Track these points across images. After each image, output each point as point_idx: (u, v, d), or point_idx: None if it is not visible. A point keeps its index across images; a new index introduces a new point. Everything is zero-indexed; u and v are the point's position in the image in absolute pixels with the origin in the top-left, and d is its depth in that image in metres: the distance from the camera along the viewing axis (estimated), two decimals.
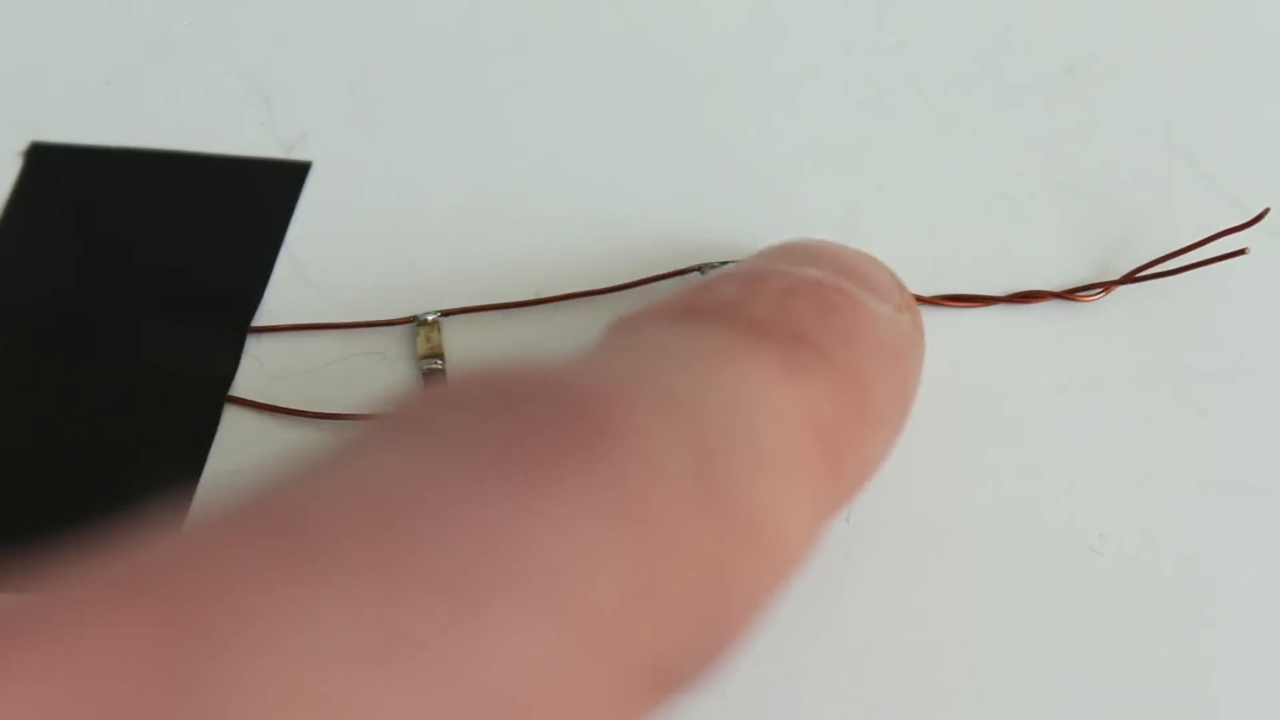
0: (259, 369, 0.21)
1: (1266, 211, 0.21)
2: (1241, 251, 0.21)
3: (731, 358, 0.15)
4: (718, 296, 0.16)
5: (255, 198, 0.23)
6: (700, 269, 0.22)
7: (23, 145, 0.23)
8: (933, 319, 0.21)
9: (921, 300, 0.21)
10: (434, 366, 0.21)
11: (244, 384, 0.21)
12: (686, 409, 0.14)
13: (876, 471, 0.17)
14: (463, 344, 0.21)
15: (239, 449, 0.21)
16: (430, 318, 0.21)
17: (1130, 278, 0.21)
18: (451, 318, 0.21)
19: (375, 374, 0.21)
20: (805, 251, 0.18)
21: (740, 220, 0.23)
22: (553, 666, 0.11)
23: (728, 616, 0.14)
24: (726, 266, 0.17)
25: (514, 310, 0.22)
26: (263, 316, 0.22)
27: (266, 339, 0.22)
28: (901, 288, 0.18)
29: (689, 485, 0.13)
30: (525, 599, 0.11)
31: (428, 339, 0.21)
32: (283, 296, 0.22)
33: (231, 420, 0.21)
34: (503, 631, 0.11)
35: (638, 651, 0.12)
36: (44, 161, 0.23)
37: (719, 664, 0.14)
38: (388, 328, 0.21)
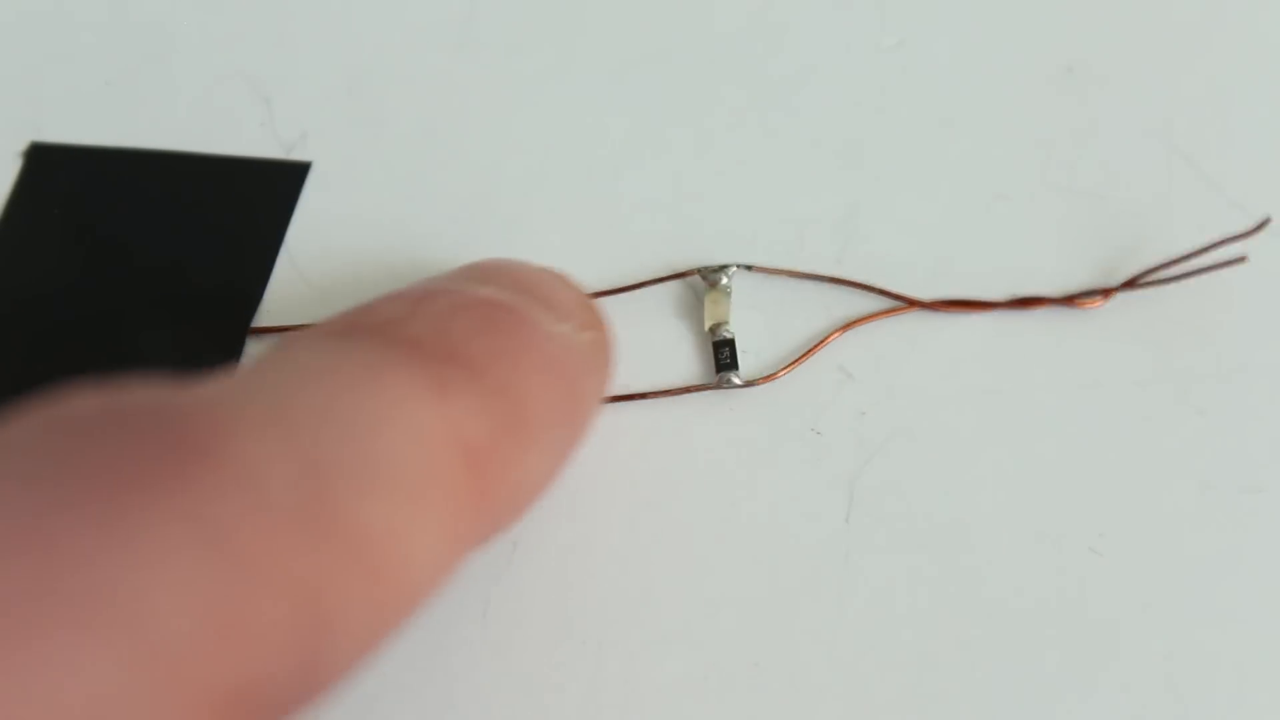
0: None
1: (1268, 221, 0.21)
2: (1241, 259, 0.21)
3: (374, 375, 0.15)
4: (380, 314, 0.16)
5: (255, 198, 0.23)
6: (700, 273, 0.22)
7: (23, 145, 0.23)
8: (933, 322, 0.22)
9: (921, 305, 0.21)
10: None
11: None
12: (305, 428, 0.14)
13: (541, 491, 0.17)
14: None
15: None
16: None
17: (1131, 284, 0.21)
18: None
19: None
20: (487, 270, 0.18)
21: (741, 219, 0.23)
22: (111, 697, 0.11)
23: (327, 644, 0.13)
24: (418, 283, 0.17)
25: None
26: (263, 317, 0.22)
27: (266, 339, 0.22)
28: (589, 307, 0.18)
29: (290, 509, 0.13)
30: (84, 628, 0.11)
31: None
32: (283, 296, 0.22)
33: None
34: (55, 661, 0.11)
35: (216, 681, 0.12)
36: (44, 161, 0.23)
37: (323, 691, 0.14)
38: None
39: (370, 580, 0.14)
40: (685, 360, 0.21)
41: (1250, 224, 0.21)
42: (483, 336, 0.16)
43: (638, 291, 0.22)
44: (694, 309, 0.22)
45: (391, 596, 0.14)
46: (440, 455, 0.14)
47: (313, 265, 0.22)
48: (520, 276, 0.17)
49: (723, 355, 0.21)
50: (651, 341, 0.22)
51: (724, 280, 0.21)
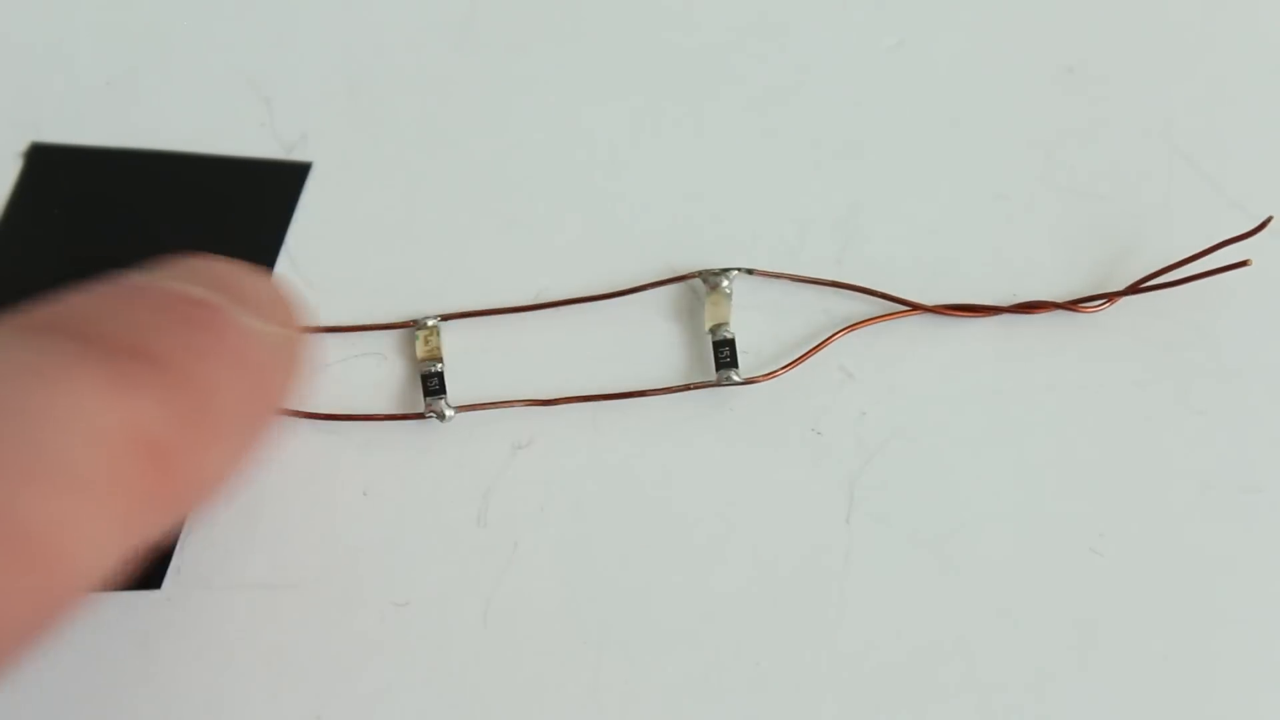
0: None
1: (1269, 220, 0.21)
2: (1244, 263, 0.21)
3: (53, 374, 0.15)
4: (71, 310, 0.16)
5: (255, 198, 0.23)
6: (701, 276, 0.22)
7: (23, 145, 0.23)
8: (934, 323, 0.22)
9: (925, 309, 0.21)
10: (433, 369, 0.21)
11: None
12: None
13: (223, 482, 0.17)
14: (461, 346, 0.21)
15: None
16: (430, 323, 0.21)
17: (1134, 289, 0.21)
18: (451, 321, 0.22)
19: (375, 375, 0.21)
20: (185, 268, 0.18)
21: (741, 219, 0.23)
22: None
23: None
24: (112, 278, 0.17)
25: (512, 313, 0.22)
26: None
27: None
28: (283, 303, 0.18)
29: None
30: None
31: (426, 342, 0.21)
32: None
33: None
34: None
35: None
36: (44, 161, 0.23)
37: None
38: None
39: (33, 576, 0.14)
40: (686, 361, 0.21)
41: (1251, 224, 0.21)
42: (171, 331, 0.16)
43: (638, 293, 0.22)
44: (695, 311, 0.22)
45: (57, 588, 0.14)
46: (116, 450, 0.15)
47: (313, 265, 0.22)
48: (216, 272, 0.18)
49: (723, 354, 0.21)
50: (652, 343, 0.22)
51: (725, 284, 0.21)
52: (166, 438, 0.15)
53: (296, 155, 0.23)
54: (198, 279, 0.17)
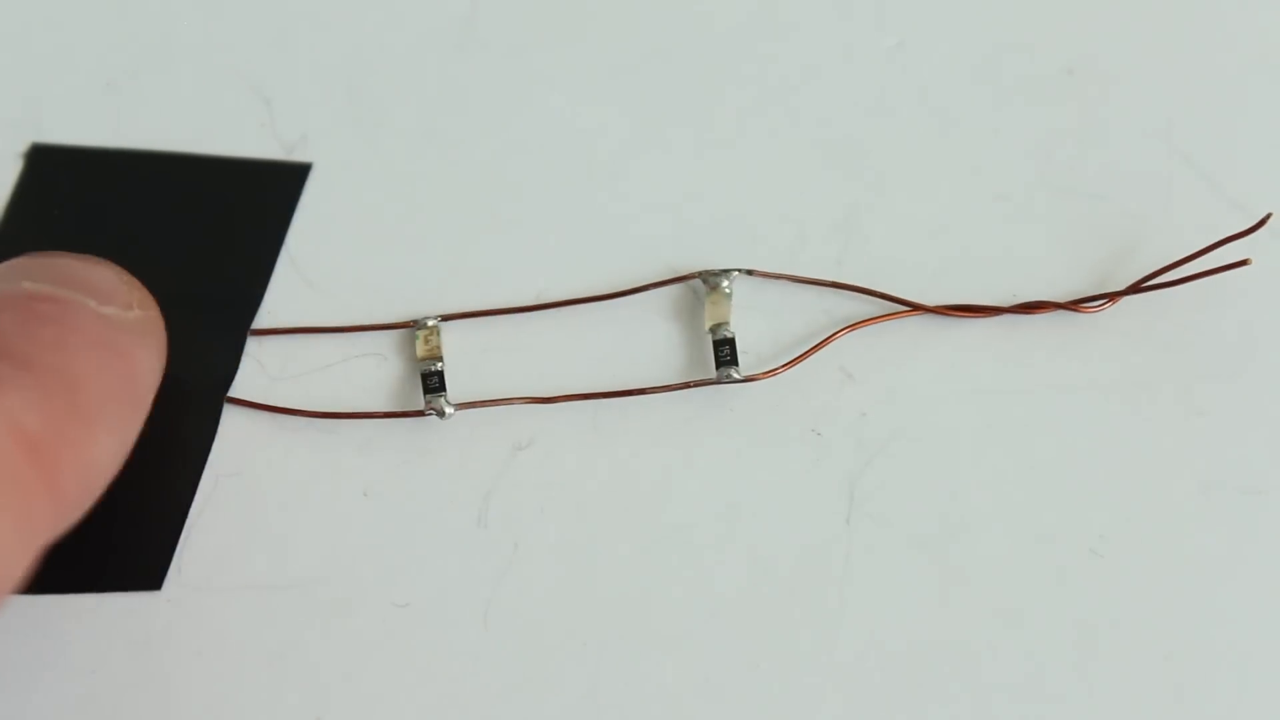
0: (259, 370, 0.21)
1: (1269, 217, 0.21)
2: (1244, 262, 0.21)
3: None
4: None
5: (255, 199, 0.23)
6: (702, 276, 0.22)
7: (23, 146, 0.23)
8: (934, 323, 0.22)
9: (926, 310, 0.21)
10: (433, 368, 0.21)
11: (244, 385, 0.21)
12: None
13: (113, 468, 0.17)
14: (461, 346, 0.21)
15: (239, 449, 0.21)
16: (430, 323, 0.21)
17: (1135, 288, 0.21)
18: (451, 321, 0.22)
19: (375, 375, 0.21)
20: (23, 266, 0.18)
21: (741, 220, 0.23)
22: None
23: None
24: None
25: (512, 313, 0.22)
26: (263, 318, 0.22)
27: (267, 341, 0.22)
28: (134, 287, 0.18)
29: None
30: None
31: (426, 342, 0.21)
32: (283, 298, 0.22)
33: (232, 421, 0.21)
34: None
35: None
36: (44, 162, 0.23)
37: None
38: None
39: None
40: (686, 361, 0.21)
41: (1251, 224, 0.21)
42: (27, 328, 0.16)
43: (638, 293, 0.22)
44: (695, 311, 0.22)
45: None
46: (2, 451, 0.15)
47: (313, 265, 0.22)
48: (60, 267, 0.18)
49: (723, 353, 0.21)
50: (652, 343, 0.22)
51: (725, 284, 0.21)
52: (45, 433, 0.15)
53: (296, 156, 0.23)
54: (41, 276, 0.17)
